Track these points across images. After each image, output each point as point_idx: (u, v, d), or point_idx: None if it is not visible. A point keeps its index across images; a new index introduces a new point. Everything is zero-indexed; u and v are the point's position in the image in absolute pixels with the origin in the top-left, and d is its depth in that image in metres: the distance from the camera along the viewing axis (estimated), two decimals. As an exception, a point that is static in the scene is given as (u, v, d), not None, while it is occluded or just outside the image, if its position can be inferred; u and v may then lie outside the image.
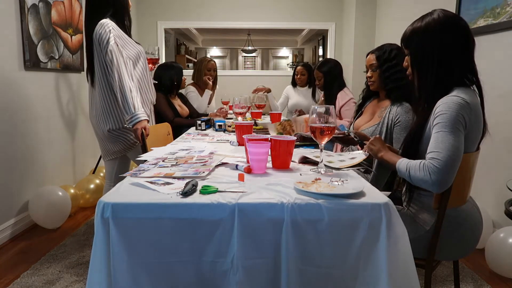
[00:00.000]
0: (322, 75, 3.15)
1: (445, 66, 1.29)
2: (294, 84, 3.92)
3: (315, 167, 1.41)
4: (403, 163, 1.29)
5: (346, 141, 1.81)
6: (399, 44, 1.47)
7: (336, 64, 3.20)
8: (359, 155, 1.52)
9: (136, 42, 2.24)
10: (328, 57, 5.47)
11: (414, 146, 1.36)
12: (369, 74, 2.02)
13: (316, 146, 1.84)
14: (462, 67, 1.30)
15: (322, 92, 3.39)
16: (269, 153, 1.40)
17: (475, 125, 1.27)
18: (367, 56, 2.06)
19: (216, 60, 14.19)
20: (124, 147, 2.22)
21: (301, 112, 3.42)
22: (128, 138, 2.20)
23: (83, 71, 3.52)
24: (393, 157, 1.35)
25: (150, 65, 2.71)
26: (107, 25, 2.02)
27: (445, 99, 1.25)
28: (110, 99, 2.12)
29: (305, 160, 1.53)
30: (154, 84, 2.42)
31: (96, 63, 2.09)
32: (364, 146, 1.50)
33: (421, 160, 1.24)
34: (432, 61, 1.30)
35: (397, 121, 1.87)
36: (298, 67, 3.86)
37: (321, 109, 1.34)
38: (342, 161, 1.48)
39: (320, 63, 3.22)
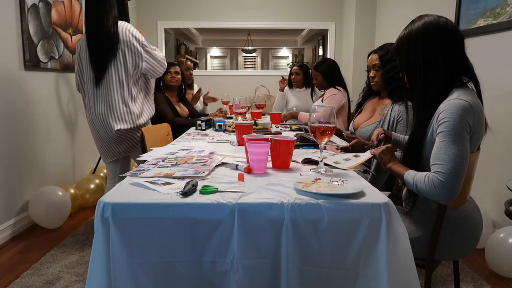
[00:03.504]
0: (318, 74, 3.17)
1: (432, 68, 1.29)
2: (290, 85, 3.91)
3: (315, 167, 1.41)
4: (409, 176, 1.29)
5: (347, 149, 1.79)
6: None
7: (333, 63, 3.22)
8: (364, 154, 1.52)
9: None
10: (328, 57, 5.48)
11: (416, 151, 1.36)
12: (372, 74, 2.01)
13: (316, 146, 1.84)
14: (454, 66, 1.30)
15: (322, 92, 3.39)
16: (269, 153, 1.40)
17: (478, 126, 1.26)
18: (368, 56, 2.06)
19: (216, 60, 14.03)
20: (128, 147, 2.23)
21: (294, 115, 3.39)
22: (134, 137, 2.21)
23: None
24: (400, 168, 1.35)
25: None
26: (131, 27, 2.17)
27: (447, 104, 1.24)
28: (122, 99, 2.13)
29: (307, 160, 1.53)
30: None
31: (117, 63, 2.12)
32: (370, 149, 1.50)
33: (426, 173, 1.24)
34: (418, 65, 1.31)
35: (400, 119, 1.87)
36: (294, 67, 3.87)
37: (321, 108, 1.34)
38: (348, 160, 1.48)
39: (317, 62, 3.25)
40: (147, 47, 2.20)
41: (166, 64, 2.35)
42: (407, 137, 1.68)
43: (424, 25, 1.31)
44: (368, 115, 2.09)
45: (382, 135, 1.60)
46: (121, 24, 2.13)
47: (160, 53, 2.28)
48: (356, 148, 1.73)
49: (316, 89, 3.58)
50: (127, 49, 2.12)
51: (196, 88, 3.97)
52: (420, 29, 1.31)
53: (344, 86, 3.17)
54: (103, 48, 2.10)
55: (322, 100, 3.17)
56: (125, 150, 2.25)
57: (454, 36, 1.30)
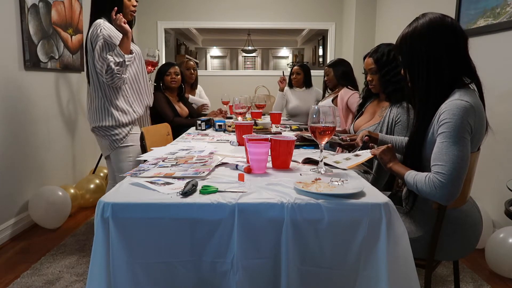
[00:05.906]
0: (331, 70, 3.18)
1: (436, 68, 1.28)
2: (290, 85, 3.91)
3: (315, 167, 1.41)
4: (410, 176, 1.28)
5: (350, 147, 1.79)
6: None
7: (349, 65, 3.25)
8: (364, 153, 1.51)
9: (132, 43, 2.23)
10: (328, 57, 5.48)
11: (416, 151, 1.35)
12: (369, 77, 2.01)
13: (316, 146, 1.84)
14: (457, 66, 1.29)
15: (328, 92, 3.39)
16: (269, 153, 1.40)
17: (479, 127, 1.26)
18: (364, 59, 2.05)
19: (216, 60, 13.99)
20: (110, 142, 2.22)
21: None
22: (113, 134, 2.20)
23: (83, 71, 3.53)
24: (401, 168, 1.35)
25: (150, 67, 2.74)
26: (99, 25, 2.07)
27: (448, 105, 1.23)
28: (100, 98, 2.15)
29: (307, 160, 1.53)
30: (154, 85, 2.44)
31: (90, 62, 2.14)
32: (371, 149, 1.50)
33: (427, 174, 1.24)
34: (422, 64, 1.30)
35: (398, 120, 1.87)
36: (294, 67, 3.87)
37: (321, 108, 1.34)
38: (348, 159, 1.48)
39: (334, 61, 3.27)
40: (97, 47, 2.03)
41: (109, 70, 2.04)
42: (393, 137, 1.69)
43: (429, 23, 1.29)
44: (369, 117, 2.10)
45: (366, 137, 1.61)
46: (94, 23, 2.09)
47: (110, 58, 2.04)
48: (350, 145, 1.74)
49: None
50: (92, 49, 2.09)
51: (199, 89, 3.94)
52: (425, 26, 1.30)
53: (356, 87, 3.16)
54: (86, 47, 2.19)
55: (332, 100, 3.17)
56: (108, 145, 2.23)
57: (459, 36, 1.28)
